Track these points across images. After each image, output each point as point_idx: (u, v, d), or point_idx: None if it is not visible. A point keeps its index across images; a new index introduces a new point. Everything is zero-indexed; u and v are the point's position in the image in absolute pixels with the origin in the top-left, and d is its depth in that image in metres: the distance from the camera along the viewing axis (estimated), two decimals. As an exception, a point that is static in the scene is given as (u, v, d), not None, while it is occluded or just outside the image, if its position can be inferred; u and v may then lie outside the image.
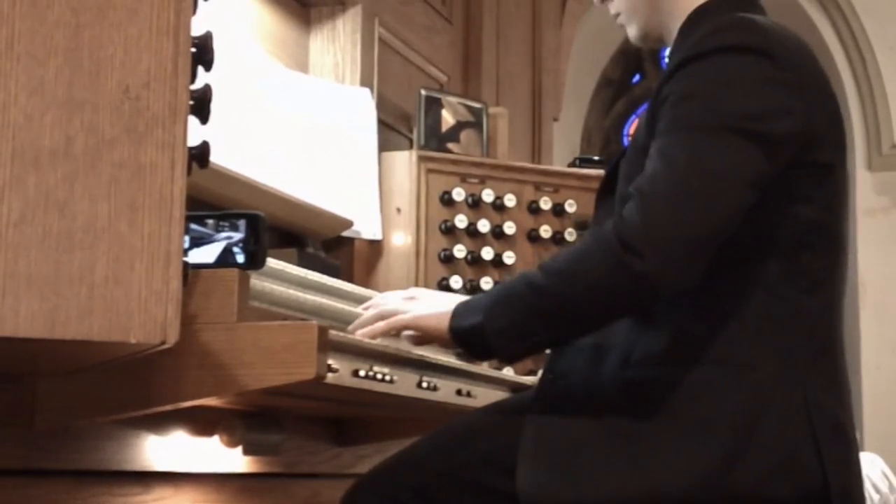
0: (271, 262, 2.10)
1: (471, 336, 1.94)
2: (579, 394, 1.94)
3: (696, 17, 2.02)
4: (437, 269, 3.32)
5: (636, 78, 9.17)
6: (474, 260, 3.37)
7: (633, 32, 2.15)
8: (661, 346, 1.89)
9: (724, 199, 1.83)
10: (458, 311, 1.98)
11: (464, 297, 2.03)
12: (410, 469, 2.02)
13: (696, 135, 1.85)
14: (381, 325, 2.06)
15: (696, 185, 1.82)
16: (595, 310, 1.87)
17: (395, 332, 2.07)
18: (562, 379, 1.98)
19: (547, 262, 1.94)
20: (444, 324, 1.98)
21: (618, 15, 2.15)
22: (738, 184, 1.83)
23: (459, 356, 2.37)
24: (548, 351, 2.06)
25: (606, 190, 2.08)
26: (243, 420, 2.34)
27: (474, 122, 3.65)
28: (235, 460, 2.43)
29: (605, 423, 1.88)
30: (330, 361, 1.85)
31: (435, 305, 2.04)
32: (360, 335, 2.06)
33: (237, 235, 1.81)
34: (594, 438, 1.88)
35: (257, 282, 2.02)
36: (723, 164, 1.83)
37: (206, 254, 1.80)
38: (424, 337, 2.05)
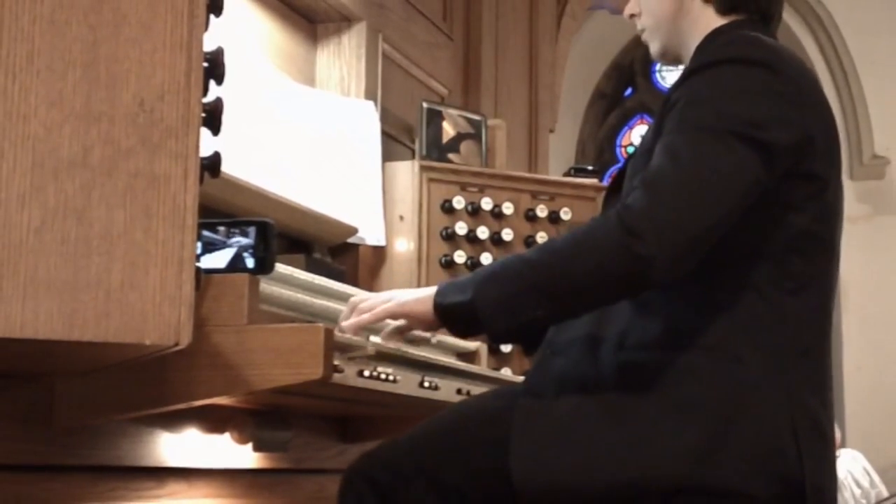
0: (280, 268, 2.10)
1: (458, 311, 1.91)
2: (573, 373, 1.93)
3: (712, 36, 2.05)
4: (438, 274, 3.32)
5: (628, 91, 9.18)
6: (474, 265, 3.36)
7: (654, 48, 2.17)
8: (655, 332, 1.89)
9: (723, 197, 1.83)
10: (443, 290, 1.95)
11: None
12: (417, 448, 2.01)
13: (701, 135, 1.86)
14: (365, 316, 2.03)
15: (700, 181, 1.82)
16: (589, 288, 1.85)
17: (380, 322, 2.04)
18: (558, 357, 1.98)
19: (543, 243, 1.94)
20: (428, 305, 1.95)
21: (643, 31, 2.17)
22: (737, 185, 1.84)
23: (460, 357, 2.37)
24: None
25: (614, 189, 2.09)
26: (253, 418, 2.34)
27: (474, 133, 3.65)
28: (246, 456, 2.43)
29: (596, 402, 1.88)
30: (336, 362, 1.85)
31: (417, 293, 2.01)
32: (345, 326, 2.02)
33: (247, 242, 1.81)
34: (585, 417, 1.87)
35: (266, 286, 2.01)
36: (725, 164, 1.83)
37: (217, 259, 1.80)
38: (410, 324, 2.02)
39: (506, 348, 3.36)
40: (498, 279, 1.89)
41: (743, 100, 1.88)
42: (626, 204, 1.82)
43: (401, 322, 2.03)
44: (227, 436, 2.35)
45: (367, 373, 1.98)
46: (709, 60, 1.92)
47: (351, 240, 3.10)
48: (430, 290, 1.98)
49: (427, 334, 2.12)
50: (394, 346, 2.09)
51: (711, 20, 2.08)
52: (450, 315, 1.94)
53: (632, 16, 2.20)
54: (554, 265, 1.86)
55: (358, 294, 2.47)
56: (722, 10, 2.08)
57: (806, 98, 1.93)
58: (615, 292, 1.87)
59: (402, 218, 3.34)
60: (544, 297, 1.87)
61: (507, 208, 3.45)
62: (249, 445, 2.37)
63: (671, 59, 2.17)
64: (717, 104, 1.87)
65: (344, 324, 2.05)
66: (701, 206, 1.82)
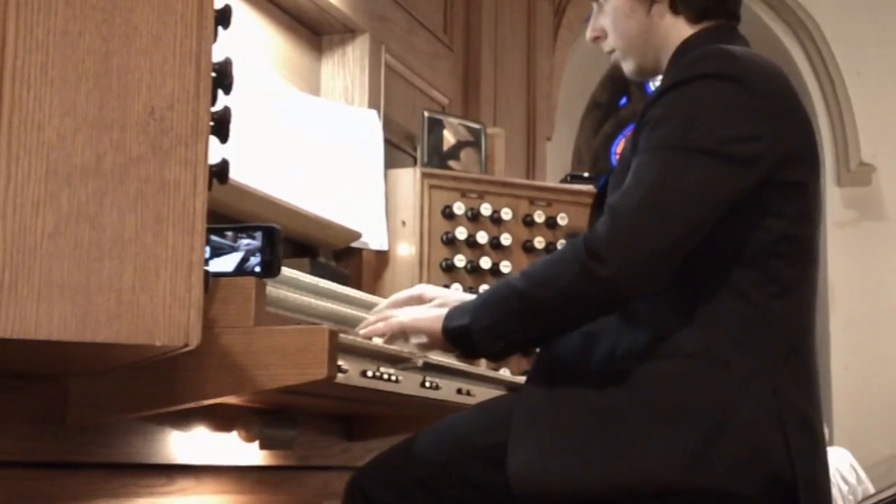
0: (286, 271, 2.10)
1: (459, 335, 1.98)
2: (568, 381, 1.94)
3: (684, 48, 2.03)
4: (439, 277, 3.32)
5: (623, 101, 9.18)
6: (473, 269, 3.37)
7: (629, 67, 2.14)
8: (644, 341, 1.90)
9: (686, 214, 1.83)
10: (451, 314, 2.01)
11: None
12: (415, 461, 2.01)
13: (668, 154, 1.86)
14: (380, 325, 2.09)
15: (661, 201, 1.83)
16: (563, 311, 1.89)
17: (399, 334, 2.08)
18: (553, 365, 1.99)
19: (527, 268, 1.97)
20: (438, 325, 2.01)
21: (612, 51, 2.15)
22: (701, 201, 1.84)
23: (459, 357, 2.37)
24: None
25: (598, 204, 2.08)
26: (260, 417, 2.34)
27: (473, 141, 3.66)
28: (253, 454, 2.43)
29: (590, 409, 1.88)
30: (340, 363, 1.85)
31: (433, 311, 2.07)
32: (360, 332, 2.08)
33: (254, 246, 1.81)
34: (579, 424, 1.88)
35: (273, 289, 2.02)
36: (690, 182, 1.83)
37: (225, 263, 1.80)
38: (429, 342, 2.07)
39: (504, 349, 3.36)
40: (488, 306, 1.96)
41: (712, 116, 1.87)
42: (594, 229, 1.86)
43: (424, 339, 2.07)
44: (234, 434, 2.35)
45: (369, 373, 1.98)
46: (680, 78, 1.91)
47: (355, 244, 3.10)
48: (442, 311, 2.03)
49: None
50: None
51: (683, 31, 2.06)
52: (453, 337, 2.00)
53: (595, 38, 2.17)
54: (528, 291, 1.91)
55: (363, 296, 2.47)
56: (693, 19, 2.06)
57: (779, 109, 1.91)
58: (586, 313, 1.91)
59: (404, 223, 3.34)
60: (525, 321, 1.92)
61: (506, 214, 3.45)
62: (256, 443, 2.37)
63: (648, 74, 2.15)
64: (685, 122, 1.87)
65: (361, 330, 2.08)
66: (659, 224, 1.83)
